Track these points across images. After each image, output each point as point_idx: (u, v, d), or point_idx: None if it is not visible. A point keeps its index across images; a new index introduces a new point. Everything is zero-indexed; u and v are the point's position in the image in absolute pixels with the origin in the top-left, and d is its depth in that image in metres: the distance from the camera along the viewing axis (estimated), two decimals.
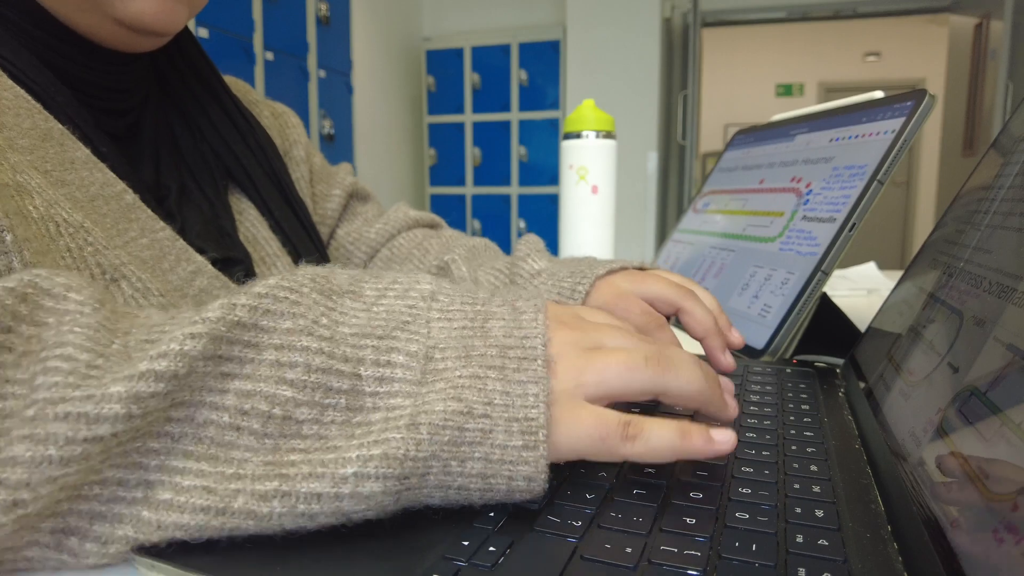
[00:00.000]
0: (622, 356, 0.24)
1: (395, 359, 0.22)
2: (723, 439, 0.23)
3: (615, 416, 0.23)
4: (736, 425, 0.30)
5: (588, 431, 0.22)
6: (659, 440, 0.22)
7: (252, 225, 0.43)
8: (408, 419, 0.20)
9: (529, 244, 0.45)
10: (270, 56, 2.16)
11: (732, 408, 0.27)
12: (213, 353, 0.20)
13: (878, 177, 0.43)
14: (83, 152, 0.33)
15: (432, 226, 0.58)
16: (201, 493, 0.19)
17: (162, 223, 0.34)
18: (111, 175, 0.33)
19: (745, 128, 0.70)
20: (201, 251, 0.36)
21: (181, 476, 0.20)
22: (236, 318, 0.20)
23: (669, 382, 0.24)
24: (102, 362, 0.19)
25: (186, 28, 0.43)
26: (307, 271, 0.23)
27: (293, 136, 0.51)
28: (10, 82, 0.32)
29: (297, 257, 0.44)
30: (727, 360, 0.35)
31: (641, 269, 0.40)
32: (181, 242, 0.35)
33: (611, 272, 0.39)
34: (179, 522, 0.19)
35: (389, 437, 0.20)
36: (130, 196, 0.34)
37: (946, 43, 3.35)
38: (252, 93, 0.51)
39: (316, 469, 0.19)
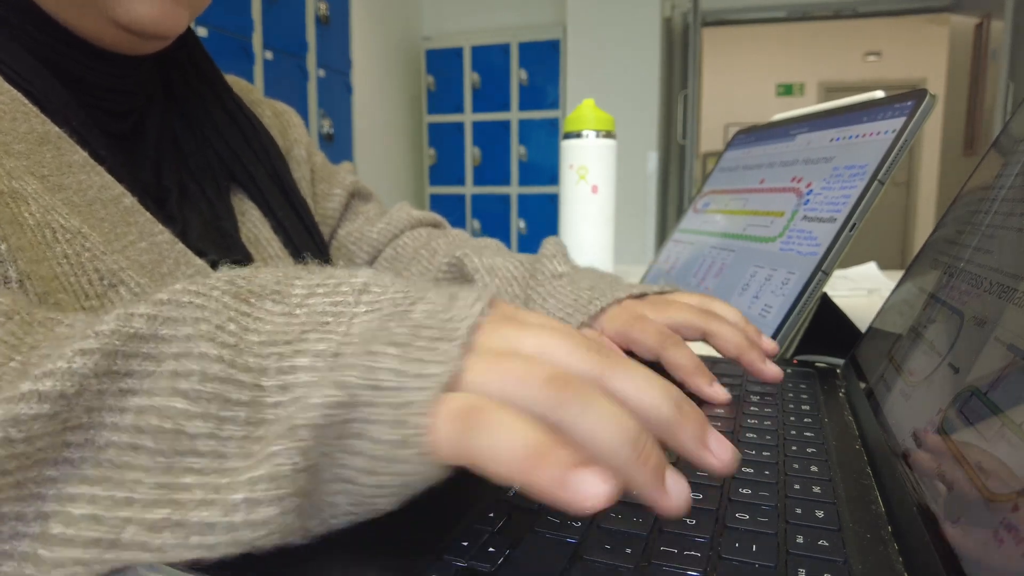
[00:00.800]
0: (521, 365, 0.19)
1: (299, 363, 0.19)
2: (582, 490, 0.16)
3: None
4: (736, 425, 0.30)
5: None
6: (501, 445, 0.17)
7: (254, 226, 0.43)
8: (288, 425, 0.18)
9: (556, 246, 0.45)
10: (269, 55, 2.16)
11: (672, 500, 0.19)
12: (108, 369, 0.18)
13: (878, 177, 0.43)
14: (81, 155, 0.32)
15: (435, 225, 0.58)
16: (90, 524, 0.17)
17: (161, 227, 0.34)
18: (109, 178, 0.33)
19: (746, 128, 0.70)
20: (201, 254, 0.36)
21: (73, 505, 0.18)
22: (132, 330, 0.18)
23: (570, 419, 0.18)
24: None
25: (189, 29, 0.43)
26: (226, 272, 0.21)
27: (294, 135, 0.51)
28: (7, 86, 0.31)
29: (299, 258, 0.44)
30: (771, 370, 0.34)
31: (662, 293, 0.40)
32: (180, 245, 0.34)
33: (631, 297, 0.39)
34: (75, 557, 0.17)
35: (272, 451, 0.17)
36: (128, 199, 0.33)
37: (947, 43, 3.35)
38: (254, 92, 0.51)
39: (208, 496, 0.17)
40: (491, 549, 0.20)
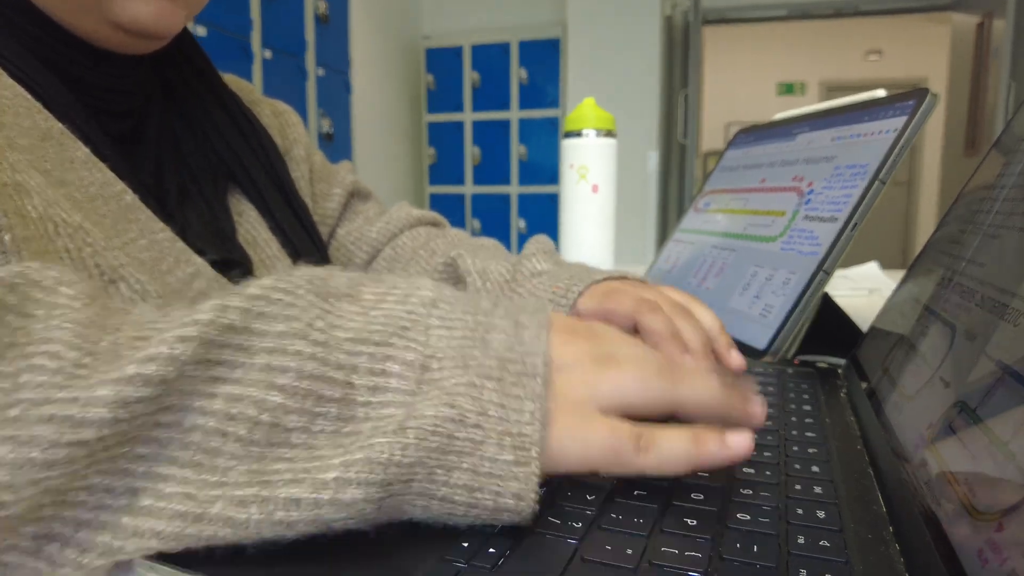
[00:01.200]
0: (636, 366, 0.23)
1: (390, 368, 0.21)
2: (738, 443, 0.22)
3: (628, 427, 0.22)
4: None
5: (601, 442, 0.22)
6: (671, 450, 0.22)
7: (252, 227, 0.43)
8: (396, 425, 0.20)
9: (538, 244, 0.45)
10: (268, 54, 2.16)
11: (757, 414, 0.25)
12: (203, 357, 0.19)
13: (880, 176, 0.43)
14: (83, 152, 0.32)
15: (435, 224, 0.58)
16: (181, 499, 0.19)
17: (162, 224, 0.34)
18: (111, 175, 0.33)
19: (747, 127, 0.69)
20: (201, 253, 0.36)
21: (164, 483, 0.19)
22: (228, 321, 0.20)
23: (683, 392, 0.23)
24: (90, 360, 0.18)
25: (186, 29, 0.43)
26: (305, 271, 0.23)
27: (293, 135, 0.51)
28: (10, 81, 0.31)
29: (298, 258, 0.44)
30: (735, 358, 0.34)
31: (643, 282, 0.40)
32: (180, 244, 0.34)
33: (609, 279, 0.39)
34: (155, 528, 0.18)
35: (374, 442, 0.19)
36: (130, 196, 0.33)
37: (948, 42, 3.34)
38: (253, 92, 0.51)
39: (297, 475, 0.19)
40: (491, 550, 0.19)
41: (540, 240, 0.45)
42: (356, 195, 0.56)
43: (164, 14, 0.36)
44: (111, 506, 0.19)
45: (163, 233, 0.34)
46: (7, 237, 0.26)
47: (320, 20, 2.45)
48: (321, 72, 2.46)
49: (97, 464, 0.19)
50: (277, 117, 0.51)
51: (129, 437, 0.19)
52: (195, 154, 0.42)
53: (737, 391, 0.25)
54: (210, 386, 0.19)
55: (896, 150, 0.43)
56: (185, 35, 0.43)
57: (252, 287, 0.21)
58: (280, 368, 0.20)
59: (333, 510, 0.19)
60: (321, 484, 0.18)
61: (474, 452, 0.20)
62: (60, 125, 0.32)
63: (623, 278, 0.40)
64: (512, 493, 0.20)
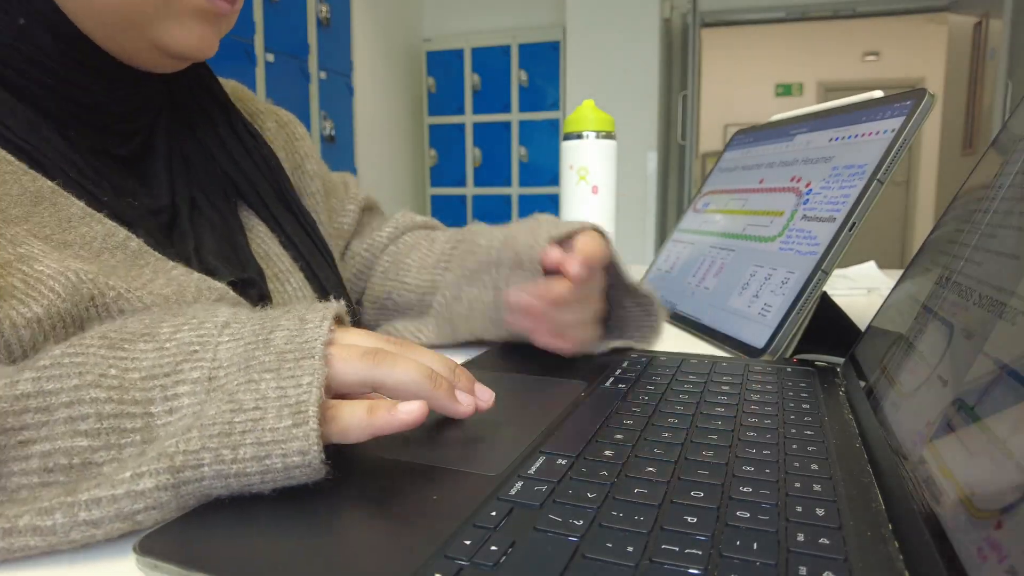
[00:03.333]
0: (339, 350, 0.26)
1: (181, 390, 0.24)
2: (407, 410, 0.25)
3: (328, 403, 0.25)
4: (737, 424, 0.30)
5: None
6: (351, 417, 0.25)
7: (263, 242, 0.44)
8: (185, 427, 0.23)
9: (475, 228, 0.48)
10: (271, 58, 2.16)
11: (463, 407, 0.28)
12: (5, 427, 0.21)
13: (878, 176, 0.43)
14: (78, 207, 0.33)
15: (434, 228, 0.60)
16: None
17: (172, 262, 0.34)
18: (111, 224, 0.33)
19: (745, 128, 0.70)
20: (213, 272, 0.37)
21: None
22: (19, 391, 0.22)
23: (382, 375, 0.26)
24: None
25: None
26: (96, 331, 0.25)
27: (303, 149, 0.51)
28: None
29: (310, 271, 0.44)
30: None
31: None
32: (196, 274, 0.35)
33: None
34: None
35: (166, 443, 0.22)
36: (134, 242, 0.34)
37: (945, 42, 3.35)
38: (256, 102, 0.51)
39: (100, 482, 0.21)
40: (493, 547, 0.20)
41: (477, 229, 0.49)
42: (368, 210, 0.58)
43: (205, 40, 0.37)
44: None
45: (176, 270, 0.34)
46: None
47: (322, 24, 2.45)
48: (323, 75, 2.47)
49: None
50: (282, 128, 0.51)
51: None
52: (202, 167, 0.42)
53: (442, 383, 0.28)
54: (22, 449, 0.22)
55: (894, 150, 0.43)
56: None
57: (43, 358, 0.23)
58: (80, 416, 0.22)
59: (130, 501, 0.21)
60: (118, 481, 0.21)
61: (255, 428, 0.23)
62: (50, 183, 0.32)
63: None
64: (296, 451, 0.22)
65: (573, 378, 0.38)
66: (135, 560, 0.20)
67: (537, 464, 0.26)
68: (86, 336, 0.25)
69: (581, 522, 0.21)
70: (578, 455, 0.26)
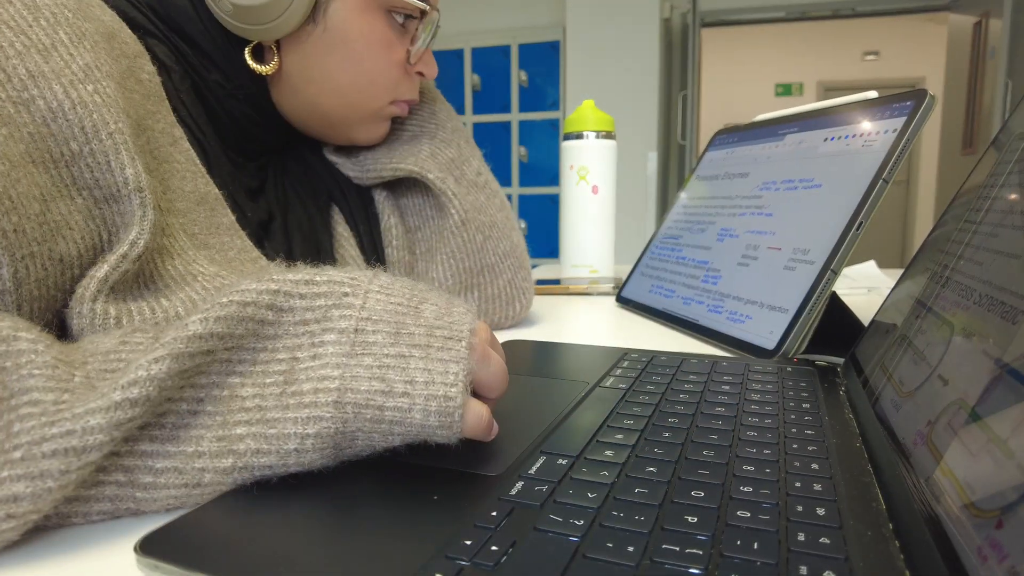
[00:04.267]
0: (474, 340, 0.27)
1: (327, 339, 0.25)
2: (496, 430, 0.28)
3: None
4: (737, 423, 0.30)
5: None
6: (475, 424, 0.26)
7: (341, 246, 0.49)
8: (336, 395, 0.23)
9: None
10: None
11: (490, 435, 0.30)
12: (178, 370, 0.23)
13: (883, 176, 0.43)
14: (228, 219, 0.37)
15: None
16: (172, 475, 0.23)
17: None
18: (249, 243, 0.38)
19: (726, 128, 0.69)
20: None
21: (152, 459, 0.23)
22: (190, 332, 0.23)
23: (482, 371, 0.27)
24: (68, 397, 0.21)
25: None
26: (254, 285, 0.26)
27: None
28: (187, 146, 0.37)
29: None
30: None
31: None
32: None
33: None
34: (169, 496, 0.23)
35: (320, 415, 0.23)
36: (264, 261, 0.38)
37: (945, 42, 3.35)
38: None
39: (262, 445, 0.23)
40: (494, 547, 0.20)
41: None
42: None
43: (385, 133, 0.48)
44: (114, 481, 0.22)
45: None
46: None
47: None
48: None
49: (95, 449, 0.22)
50: None
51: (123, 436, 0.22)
52: (299, 175, 0.49)
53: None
54: (180, 380, 0.23)
55: (898, 150, 0.43)
56: None
57: (212, 308, 0.24)
58: (238, 360, 0.24)
59: (298, 466, 0.24)
60: (286, 453, 0.23)
61: (403, 420, 0.24)
62: (216, 191, 0.37)
63: None
64: (441, 437, 0.25)
65: (573, 378, 0.38)
66: (135, 560, 0.20)
67: (538, 464, 0.26)
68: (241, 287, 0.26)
69: (582, 522, 0.21)
70: (579, 455, 0.26)
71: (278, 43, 0.42)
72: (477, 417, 0.26)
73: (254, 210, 0.43)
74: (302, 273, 0.26)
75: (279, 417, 0.23)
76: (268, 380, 0.24)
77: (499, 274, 0.51)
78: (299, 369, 0.24)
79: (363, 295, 0.26)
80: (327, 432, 0.23)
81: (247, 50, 0.41)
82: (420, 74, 0.48)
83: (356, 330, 0.25)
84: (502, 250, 0.51)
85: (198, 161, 0.37)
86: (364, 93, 0.44)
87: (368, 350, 0.24)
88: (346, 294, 0.26)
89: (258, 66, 0.42)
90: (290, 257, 0.44)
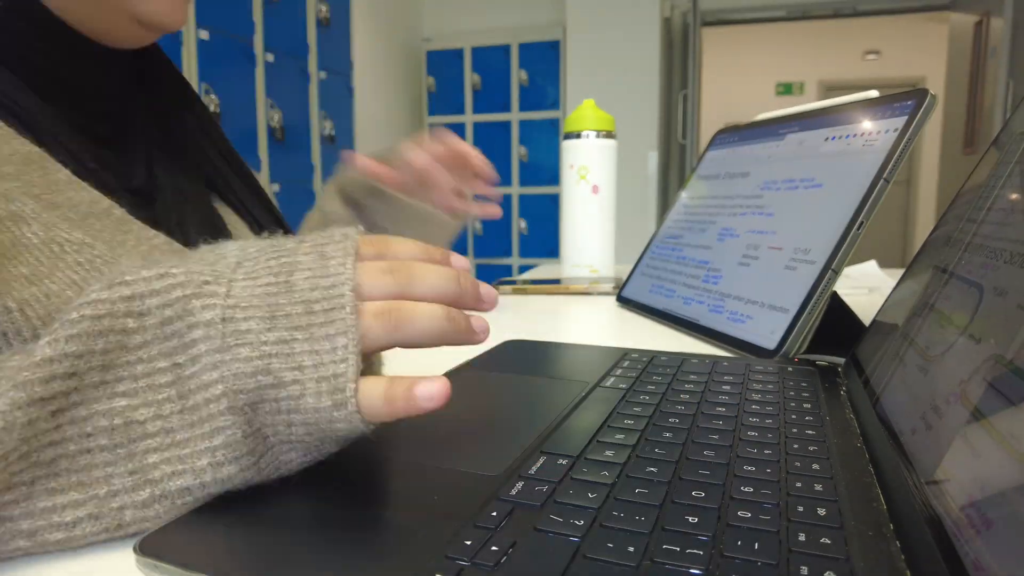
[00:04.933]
0: (365, 308, 0.24)
1: (196, 335, 0.22)
2: (425, 395, 0.23)
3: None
4: (738, 423, 0.30)
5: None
6: (368, 403, 0.23)
7: (235, 229, 0.45)
8: (227, 401, 0.22)
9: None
10: (270, 57, 2.16)
11: (480, 335, 0.27)
12: (29, 399, 0.20)
13: (884, 175, 0.43)
14: (65, 173, 0.33)
15: None
16: (89, 523, 0.21)
17: (154, 231, 0.35)
18: (96, 193, 0.34)
19: (727, 127, 0.69)
20: (197, 245, 0.37)
21: (59, 514, 0.21)
22: (41, 357, 0.21)
23: (403, 338, 0.25)
24: None
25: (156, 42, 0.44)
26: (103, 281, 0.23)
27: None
28: None
29: None
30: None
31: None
32: (176, 245, 0.35)
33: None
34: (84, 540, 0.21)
35: (220, 425, 0.22)
36: (118, 211, 0.34)
37: (946, 41, 3.34)
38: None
39: (176, 467, 0.22)
40: (494, 548, 0.20)
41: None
42: None
43: (177, 9, 0.39)
44: (19, 548, 0.20)
45: (158, 239, 0.35)
46: (12, 305, 0.26)
47: (321, 23, 2.45)
48: (323, 75, 2.47)
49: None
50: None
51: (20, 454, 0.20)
52: (177, 158, 0.43)
53: (460, 318, 0.26)
54: (51, 421, 0.21)
55: (899, 149, 0.43)
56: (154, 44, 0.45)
57: (59, 326, 0.21)
58: (113, 380, 0.22)
59: (218, 486, 0.22)
60: (200, 471, 0.22)
61: (298, 408, 0.22)
62: (38, 149, 0.33)
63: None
64: (344, 430, 0.23)
65: (574, 378, 0.38)
66: (135, 560, 0.20)
67: (538, 464, 0.26)
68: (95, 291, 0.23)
69: (582, 522, 0.21)
70: (579, 455, 0.26)
71: None
72: (370, 395, 0.23)
73: (100, 157, 0.37)
74: (159, 266, 0.23)
75: (188, 437, 0.22)
76: (160, 396, 0.22)
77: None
78: (185, 377, 0.22)
79: (227, 283, 0.23)
80: (235, 439, 0.22)
81: None
82: None
83: (224, 319, 0.22)
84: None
85: (2, 124, 0.32)
86: None
87: (243, 339, 0.22)
88: (207, 282, 0.23)
89: None
90: (184, 231, 0.39)
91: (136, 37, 0.39)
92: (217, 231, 0.41)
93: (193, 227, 0.39)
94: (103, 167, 0.36)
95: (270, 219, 0.47)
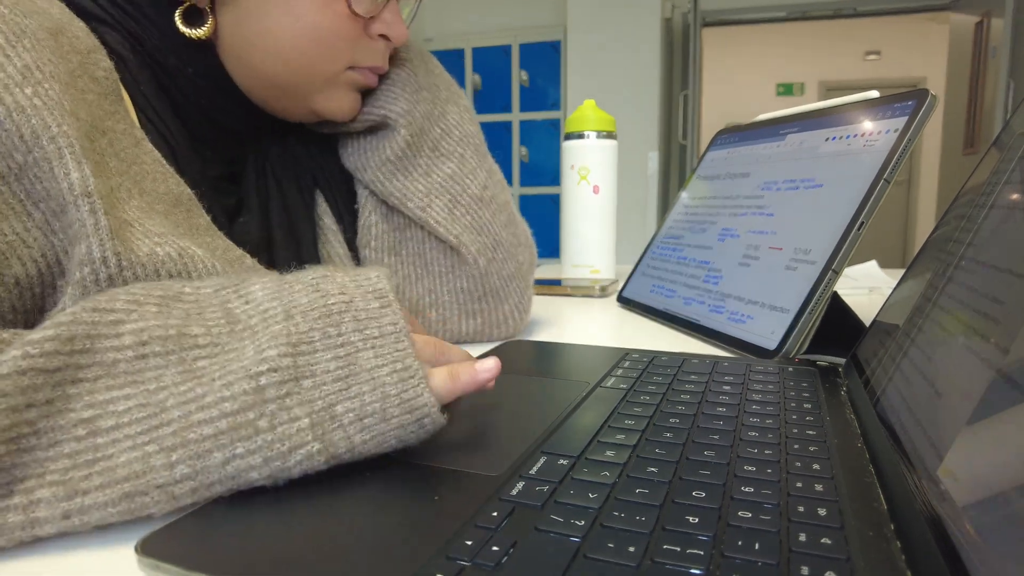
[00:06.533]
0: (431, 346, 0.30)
1: (252, 288, 0.27)
2: (485, 367, 0.29)
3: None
4: (738, 423, 0.30)
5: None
6: (438, 386, 0.27)
7: (328, 242, 0.47)
8: (283, 313, 0.25)
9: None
10: None
11: (491, 371, 0.30)
12: (95, 306, 0.24)
13: (884, 176, 0.43)
14: (205, 220, 0.36)
15: None
16: (138, 409, 0.22)
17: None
18: (229, 243, 0.37)
19: (728, 128, 0.69)
20: None
21: (113, 404, 0.22)
22: (100, 298, 0.24)
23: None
24: None
25: None
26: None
27: None
28: (150, 147, 0.35)
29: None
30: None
31: None
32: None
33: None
34: (128, 433, 0.22)
35: (272, 329, 0.24)
36: (249, 260, 0.37)
37: (947, 41, 3.34)
38: None
39: (225, 364, 0.24)
40: (494, 547, 0.20)
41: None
42: None
43: (356, 106, 0.44)
44: (69, 438, 0.22)
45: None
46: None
47: None
48: None
49: (38, 407, 0.21)
50: None
51: (57, 380, 0.22)
52: (281, 160, 0.46)
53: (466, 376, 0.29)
54: (114, 328, 0.23)
55: (900, 149, 0.43)
56: None
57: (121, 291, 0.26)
58: (168, 312, 0.25)
59: (257, 365, 0.24)
60: (240, 353, 0.24)
61: (348, 309, 0.26)
62: (189, 192, 0.36)
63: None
64: (389, 322, 0.26)
65: (574, 378, 0.38)
66: (136, 560, 0.20)
67: (539, 464, 0.26)
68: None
69: (583, 522, 0.21)
70: (579, 455, 0.26)
71: (212, 2, 0.38)
72: (436, 375, 0.27)
73: (227, 207, 0.41)
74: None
75: (238, 347, 0.25)
76: (209, 322, 0.25)
77: (504, 299, 0.48)
78: (236, 312, 0.26)
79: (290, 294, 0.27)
80: (284, 339, 0.24)
81: (178, 13, 0.37)
82: (384, 37, 0.43)
83: (278, 278, 0.27)
84: (507, 273, 0.48)
85: (165, 162, 0.35)
86: (308, 55, 0.40)
87: (296, 280, 0.27)
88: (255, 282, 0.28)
89: (189, 30, 0.37)
90: (269, 251, 0.42)
91: (307, 120, 0.44)
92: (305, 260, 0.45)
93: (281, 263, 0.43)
94: (230, 215, 0.41)
95: (355, 233, 0.48)
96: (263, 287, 0.27)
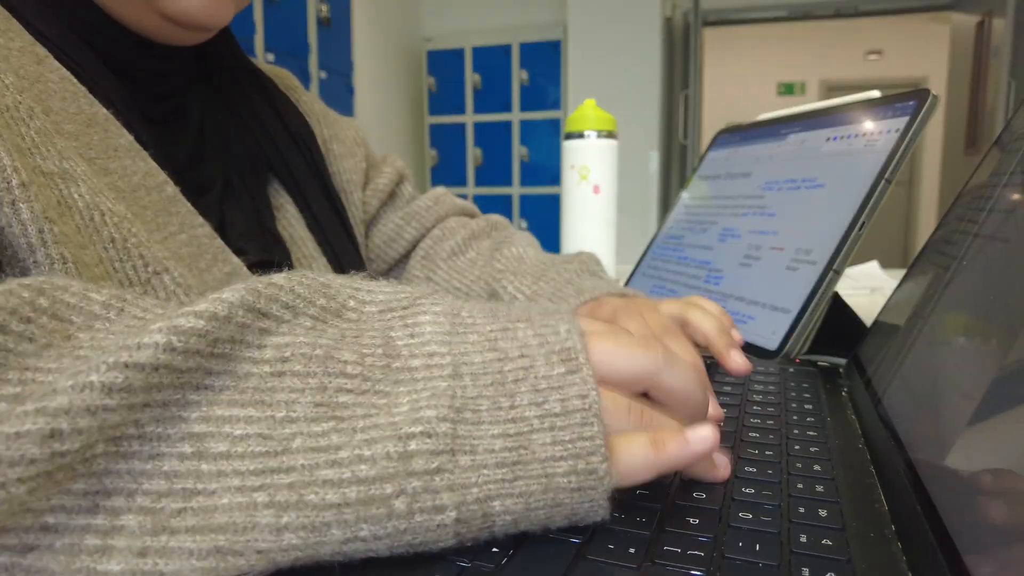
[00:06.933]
0: (628, 337, 0.23)
1: (421, 319, 0.22)
2: (701, 438, 0.21)
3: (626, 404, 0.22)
4: (739, 424, 0.30)
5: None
6: (630, 458, 0.21)
7: (289, 223, 0.43)
8: (451, 369, 0.21)
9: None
10: (271, 57, 2.16)
11: (716, 415, 0.27)
12: (251, 305, 0.20)
13: (885, 176, 0.43)
14: (127, 139, 0.32)
15: (473, 215, 0.58)
16: (256, 440, 0.18)
17: (201, 219, 0.34)
18: (153, 165, 0.33)
19: (728, 127, 0.69)
20: (241, 251, 0.36)
21: (229, 425, 0.18)
22: (269, 291, 0.21)
23: (663, 373, 0.23)
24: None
25: (227, 27, 0.43)
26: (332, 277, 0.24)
27: (354, 136, 0.51)
28: (56, 64, 0.31)
29: (333, 257, 0.44)
30: (736, 360, 0.35)
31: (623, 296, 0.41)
32: (219, 241, 0.34)
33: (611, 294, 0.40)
34: (239, 468, 0.18)
35: (436, 385, 0.20)
36: (171, 188, 0.33)
37: (948, 41, 3.34)
38: (291, 78, 0.51)
39: (371, 411, 0.19)
40: (495, 549, 0.20)
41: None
42: (404, 179, 0.56)
43: (213, 5, 0.36)
44: (172, 454, 0.18)
45: (202, 228, 0.33)
46: (55, 229, 0.25)
47: (322, 23, 2.45)
48: (324, 75, 2.47)
49: (152, 409, 0.18)
50: (314, 103, 0.51)
51: (183, 382, 0.18)
52: (236, 142, 0.42)
53: (709, 394, 0.26)
54: (259, 338, 0.20)
55: (902, 149, 0.43)
56: (226, 30, 0.43)
57: (285, 275, 0.22)
58: (320, 330, 0.21)
59: (409, 425, 0.19)
60: (398, 415, 0.19)
61: (527, 377, 0.21)
62: (105, 111, 0.32)
63: (610, 294, 0.40)
64: (576, 395, 0.20)
65: None
66: None
67: None
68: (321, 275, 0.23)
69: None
70: None
71: None
72: (630, 453, 0.21)
73: (162, 140, 0.36)
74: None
75: (391, 391, 0.20)
76: (364, 351, 0.21)
77: None
78: (398, 346, 0.21)
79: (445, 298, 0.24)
80: (443, 399, 0.19)
81: None
82: None
83: (453, 314, 0.22)
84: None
85: (76, 80, 0.31)
86: None
87: (470, 328, 0.22)
88: (429, 293, 0.24)
89: None
90: (225, 233, 0.37)
91: (174, 35, 0.37)
92: (263, 232, 0.40)
93: (238, 231, 0.38)
94: (155, 141, 0.35)
95: (330, 214, 0.44)
96: (434, 320, 0.22)
